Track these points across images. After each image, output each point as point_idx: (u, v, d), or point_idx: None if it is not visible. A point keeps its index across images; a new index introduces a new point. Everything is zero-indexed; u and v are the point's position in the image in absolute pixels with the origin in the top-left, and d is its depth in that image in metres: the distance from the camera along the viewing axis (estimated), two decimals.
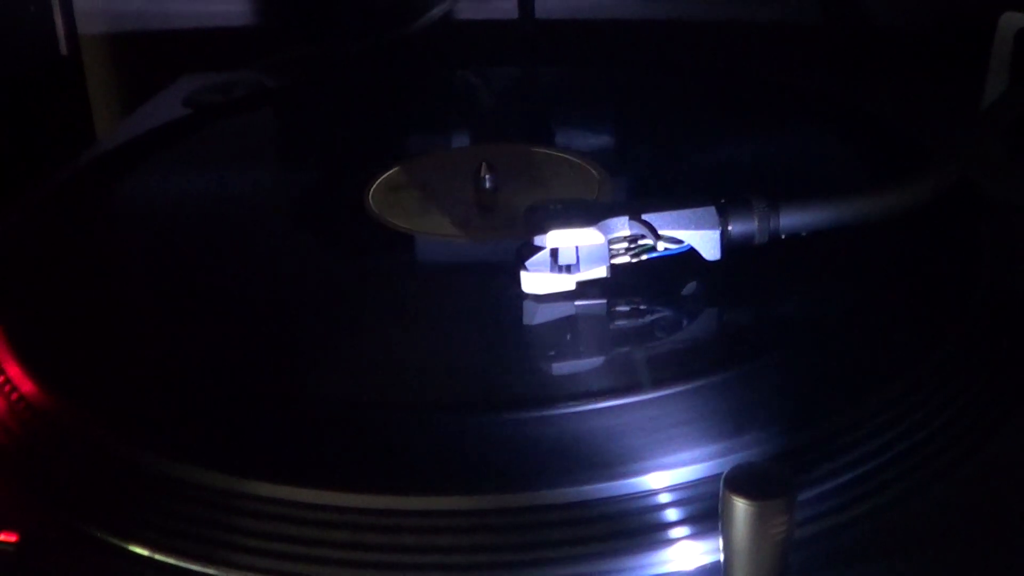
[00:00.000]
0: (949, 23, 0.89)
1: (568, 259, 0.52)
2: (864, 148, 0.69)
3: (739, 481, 0.36)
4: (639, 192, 0.68)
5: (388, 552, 0.41)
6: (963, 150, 0.57)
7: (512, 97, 0.87)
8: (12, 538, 0.43)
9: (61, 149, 0.91)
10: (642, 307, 0.53)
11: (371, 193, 0.66)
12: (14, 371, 0.51)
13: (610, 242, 0.52)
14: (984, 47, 0.75)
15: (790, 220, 0.53)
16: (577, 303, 0.53)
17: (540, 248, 0.52)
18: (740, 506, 0.35)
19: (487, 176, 0.65)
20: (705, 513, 0.41)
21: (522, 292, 0.53)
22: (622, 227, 0.52)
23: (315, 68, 0.93)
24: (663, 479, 0.43)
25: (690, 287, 0.54)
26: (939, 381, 0.48)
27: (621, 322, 0.53)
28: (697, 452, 0.43)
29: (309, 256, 0.62)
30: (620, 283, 0.53)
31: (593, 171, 0.67)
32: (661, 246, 0.52)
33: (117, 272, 0.61)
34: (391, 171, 0.68)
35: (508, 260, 0.54)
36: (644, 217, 0.52)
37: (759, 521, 0.35)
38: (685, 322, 0.53)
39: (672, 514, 0.42)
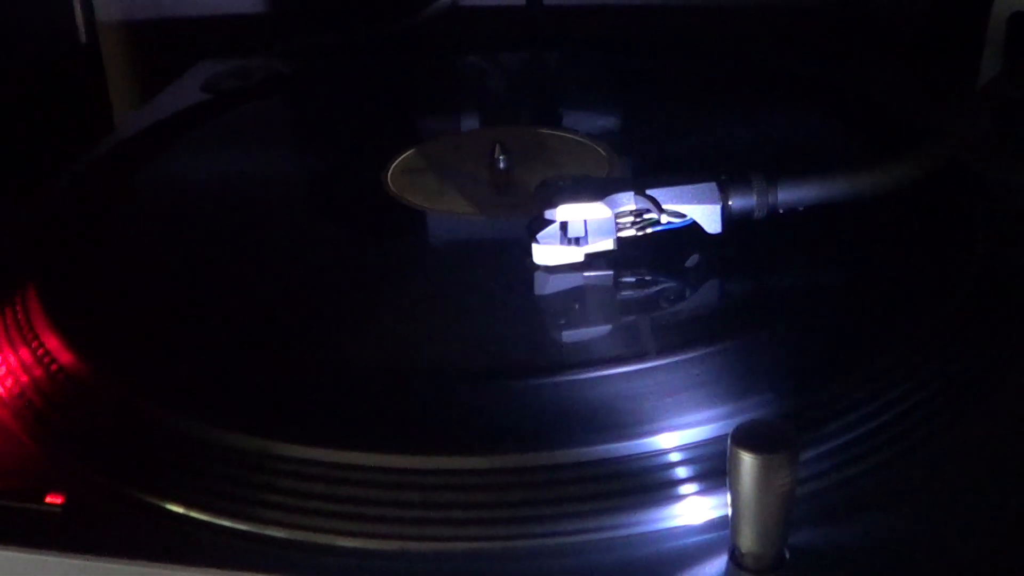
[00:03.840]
0: (945, 6, 0.90)
1: (577, 232, 0.54)
2: (861, 129, 0.70)
3: (746, 437, 0.37)
4: (646, 170, 0.69)
5: (413, 509, 0.43)
6: (957, 130, 0.58)
7: (523, 81, 0.88)
8: (59, 500, 0.45)
9: (81, 136, 0.92)
10: (648, 278, 0.55)
11: (389, 174, 0.67)
12: (53, 343, 0.53)
13: (617, 216, 0.54)
14: (979, 30, 0.76)
15: (787, 195, 0.54)
16: (586, 274, 0.55)
17: (550, 222, 0.54)
18: (746, 459, 0.37)
19: (501, 157, 0.66)
20: (713, 471, 0.43)
21: (534, 264, 0.55)
22: (628, 201, 0.54)
23: (329, 54, 0.94)
24: (673, 439, 0.44)
25: (693, 259, 0.56)
26: (935, 348, 0.50)
27: (627, 292, 0.55)
28: (705, 414, 0.45)
29: (331, 234, 0.64)
30: (627, 255, 0.55)
31: (602, 151, 0.69)
32: (664, 219, 0.54)
33: (146, 250, 0.62)
34: (407, 153, 0.70)
35: (521, 235, 0.56)
36: (648, 192, 0.54)
37: (764, 474, 0.37)
38: (689, 292, 0.54)
39: (682, 472, 0.44)
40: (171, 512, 0.45)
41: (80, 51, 0.97)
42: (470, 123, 0.80)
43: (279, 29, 1.03)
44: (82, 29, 0.96)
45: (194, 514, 0.44)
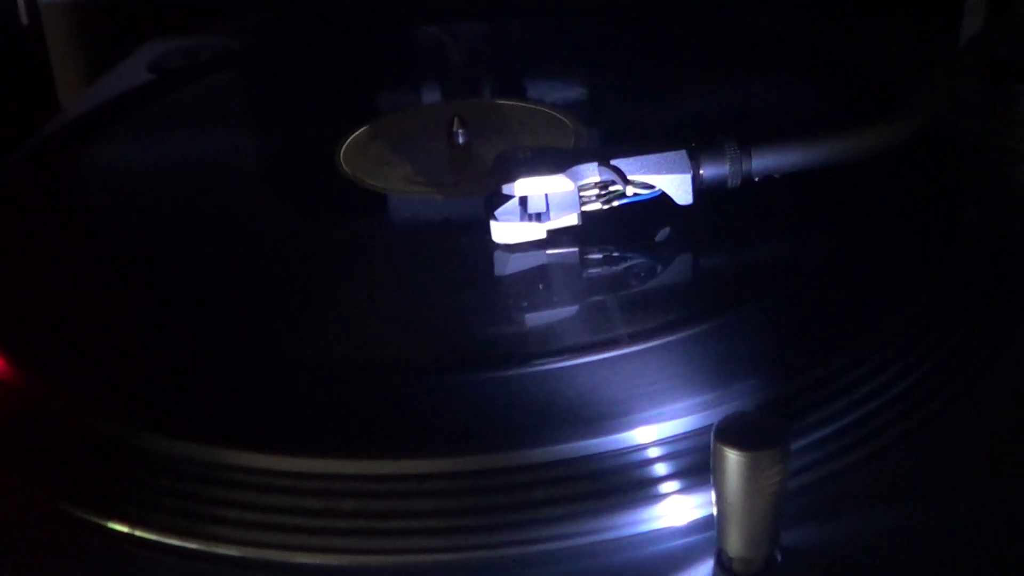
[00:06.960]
0: None
1: (538, 207, 0.53)
2: (839, 92, 0.69)
3: (730, 432, 0.35)
4: (614, 142, 0.68)
5: (370, 518, 0.41)
6: (938, 91, 0.57)
7: (482, 52, 0.87)
8: None
9: (24, 120, 0.89)
10: (615, 255, 0.53)
11: (343, 152, 0.65)
12: None
13: (580, 189, 0.52)
14: None
15: (762, 162, 0.53)
16: (549, 252, 0.53)
17: (509, 197, 0.52)
18: (732, 457, 0.35)
19: (459, 131, 0.64)
20: (696, 466, 0.41)
21: (493, 243, 0.53)
22: (592, 173, 0.52)
23: (281, 30, 0.92)
24: (651, 433, 0.42)
25: (663, 233, 0.54)
26: (929, 324, 0.48)
27: (595, 271, 0.53)
28: (685, 404, 0.43)
29: (281, 217, 0.62)
30: (592, 231, 0.53)
31: (567, 122, 0.67)
32: (630, 191, 0.52)
33: (85, 243, 0.60)
34: (362, 130, 0.68)
35: (480, 214, 0.54)
36: (614, 163, 0.52)
37: (752, 472, 0.35)
38: (660, 269, 0.53)
39: (662, 469, 0.42)
40: (113, 531, 0.42)
41: (21, 33, 0.95)
42: (430, 96, 0.78)
43: (230, 6, 1.00)
44: (23, 10, 0.94)
45: (139, 533, 0.42)
